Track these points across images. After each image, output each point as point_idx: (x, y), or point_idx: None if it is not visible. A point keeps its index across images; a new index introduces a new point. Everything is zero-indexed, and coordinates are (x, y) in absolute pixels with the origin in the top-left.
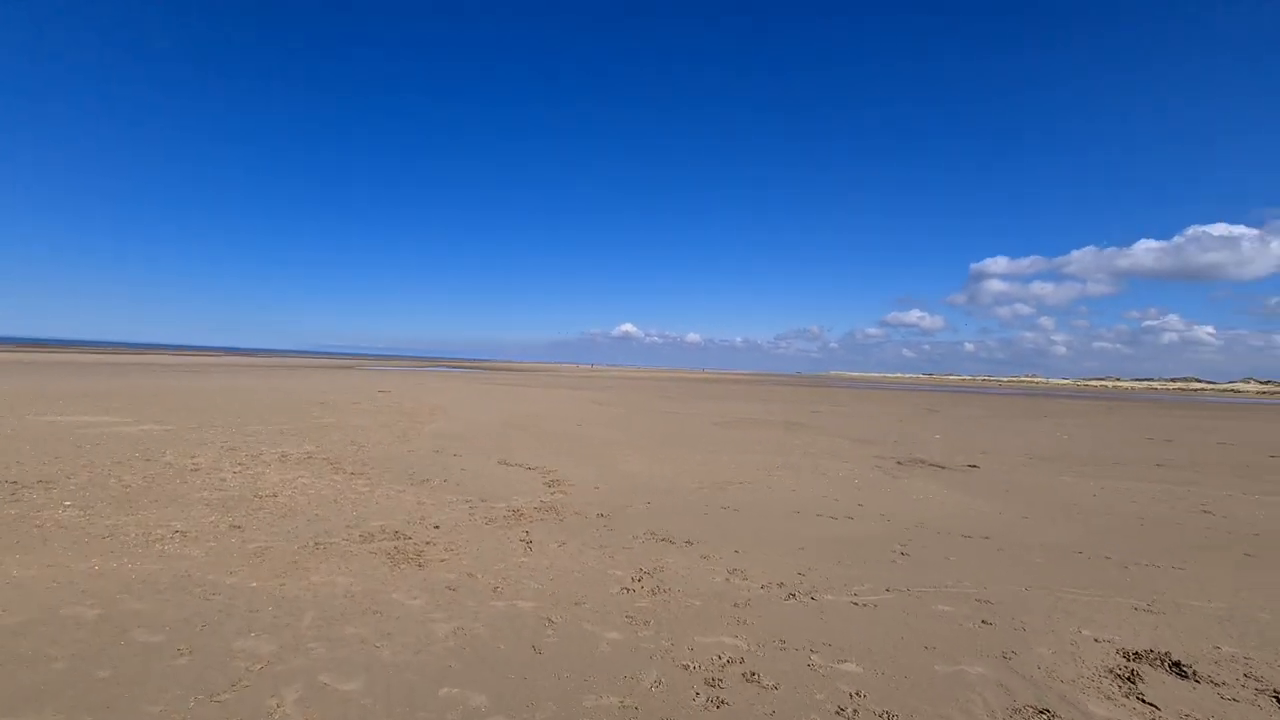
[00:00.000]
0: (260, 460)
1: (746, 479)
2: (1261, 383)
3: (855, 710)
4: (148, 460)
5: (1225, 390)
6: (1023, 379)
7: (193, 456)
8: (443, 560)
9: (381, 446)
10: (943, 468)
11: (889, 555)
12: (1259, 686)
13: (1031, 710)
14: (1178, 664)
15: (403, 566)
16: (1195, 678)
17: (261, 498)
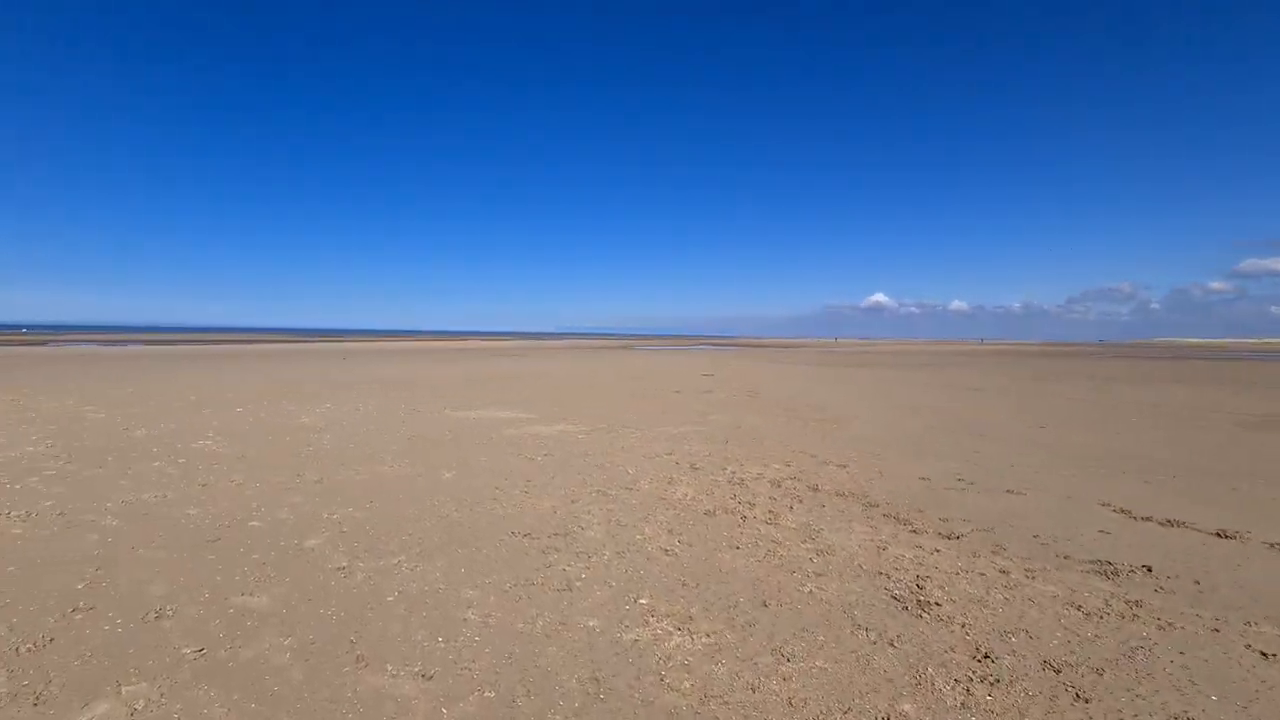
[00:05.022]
0: (781, 489)
1: None
2: None
3: None
4: (684, 476)
5: None
6: None
7: (730, 475)
8: None
9: (862, 465)
10: None
11: None
12: None
13: None
14: None
15: None
16: None
17: (923, 596)
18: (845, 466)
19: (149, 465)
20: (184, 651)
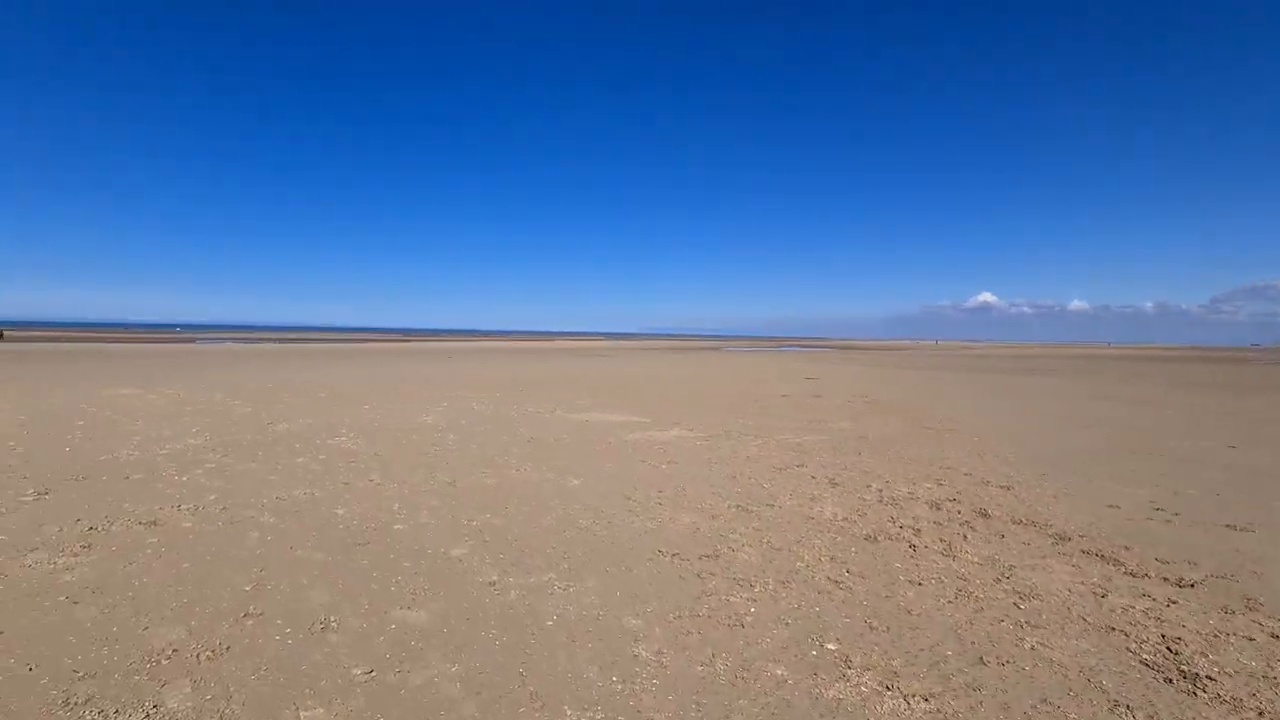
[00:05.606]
0: (942, 512)
1: None
2: None
3: None
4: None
5: None
6: None
7: (908, 509)
8: None
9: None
10: None
11: None
12: None
13: None
14: None
15: None
16: None
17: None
18: (1009, 488)
19: (294, 461)
20: (354, 672)
